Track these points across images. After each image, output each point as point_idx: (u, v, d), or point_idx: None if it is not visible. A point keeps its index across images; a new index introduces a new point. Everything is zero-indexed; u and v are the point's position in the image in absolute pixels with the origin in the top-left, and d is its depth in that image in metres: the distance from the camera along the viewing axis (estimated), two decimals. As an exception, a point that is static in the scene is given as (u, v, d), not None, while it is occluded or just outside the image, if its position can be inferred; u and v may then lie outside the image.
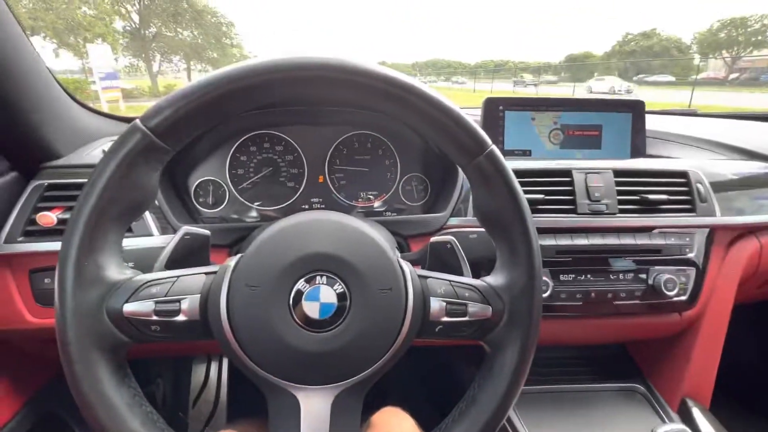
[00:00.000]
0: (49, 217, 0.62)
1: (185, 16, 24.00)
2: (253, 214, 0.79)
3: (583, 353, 0.94)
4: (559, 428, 0.77)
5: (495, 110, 0.87)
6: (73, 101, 0.76)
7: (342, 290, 0.39)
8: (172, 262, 0.46)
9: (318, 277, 0.39)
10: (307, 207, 0.80)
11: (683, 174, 0.78)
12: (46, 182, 0.66)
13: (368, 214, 0.82)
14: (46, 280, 0.64)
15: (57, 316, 0.36)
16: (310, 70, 0.37)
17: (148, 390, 1.11)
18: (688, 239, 0.76)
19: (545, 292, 0.71)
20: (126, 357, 0.40)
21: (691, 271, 0.76)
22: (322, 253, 0.40)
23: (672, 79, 25.24)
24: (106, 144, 0.79)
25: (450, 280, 0.44)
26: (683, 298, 0.76)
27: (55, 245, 0.63)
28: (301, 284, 0.39)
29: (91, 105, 0.77)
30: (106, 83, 10.47)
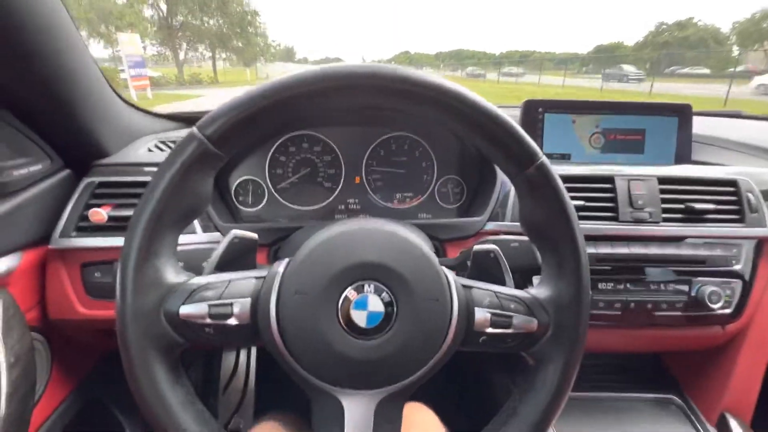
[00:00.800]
0: (100, 214, 0.65)
1: (211, 5, 24.21)
2: (290, 213, 0.80)
3: (615, 361, 0.93)
4: None
5: (534, 112, 0.85)
6: (119, 99, 0.78)
7: (389, 299, 0.39)
8: (222, 265, 0.47)
9: (366, 286, 0.39)
10: (343, 207, 0.81)
11: (733, 183, 0.75)
12: (97, 180, 0.69)
13: (403, 215, 0.82)
14: (96, 274, 0.67)
15: (118, 318, 0.37)
16: (361, 79, 0.38)
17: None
18: (735, 251, 0.74)
19: None
20: (180, 357, 0.42)
21: (737, 284, 0.74)
22: (369, 262, 0.40)
23: (707, 71, 24.18)
24: (151, 141, 0.81)
25: (495, 291, 0.44)
26: (728, 311, 0.74)
27: (106, 241, 0.65)
28: (349, 292, 0.39)
29: (120, 94, 0.79)
30: (134, 71, 10.71)
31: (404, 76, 0.38)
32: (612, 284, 0.73)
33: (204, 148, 0.38)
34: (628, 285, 0.73)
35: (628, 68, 22.19)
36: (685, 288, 0.73)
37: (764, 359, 0.79)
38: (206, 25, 25.24)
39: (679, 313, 0.73)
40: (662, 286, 0.73)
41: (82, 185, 0.69)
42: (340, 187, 0.81)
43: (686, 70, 24.57)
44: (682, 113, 0.86)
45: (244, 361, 1.42)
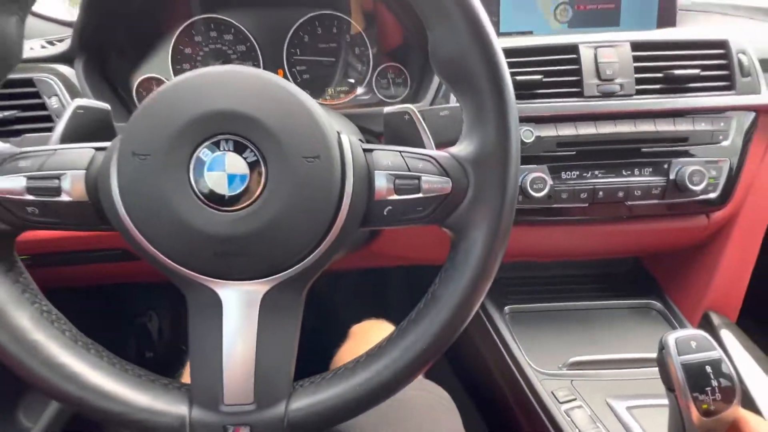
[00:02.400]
0: None
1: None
2: None
3: (592, 270, 0.84)
4: (558, 347, 0.68)
5: (488, -17, 0.72)
6: None
7: (255, 159, 0.30)
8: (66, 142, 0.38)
9: (223, 143, 0.30)
10: None
11: (721, 44, 0.63)
12: None
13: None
14: None
15: None
16: None
17: (139, 321, 1.09)
18: (723, 124, 0.63)
19: (542, 191, 0.60)
20: (12, 248, 0.34)
21: (724, 163, 0.63)
22: (226, 110, 0.30)
23: None
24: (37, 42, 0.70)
25: (401, 151, 0.35)
26: (712, 195, 0.63)
27: None
28: (202, 152, 0.30)
29: None
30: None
31: None
32: (577, 172, 0.63)
33: None
34: (596, 172, 0.63)
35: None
36: (664, 169, 0.62)
37: (754, 252, 0.70)
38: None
39: (655, 201, 0.63)
40: (636, 171, 0.63)
41: None
42: None
43: None
44: (664, -28, 0.72)
45: None
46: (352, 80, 0.71)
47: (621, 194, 0.62)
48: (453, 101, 0.62)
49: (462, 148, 0.35)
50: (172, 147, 0.30)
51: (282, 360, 0.34)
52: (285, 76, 0.70)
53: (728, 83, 0.62)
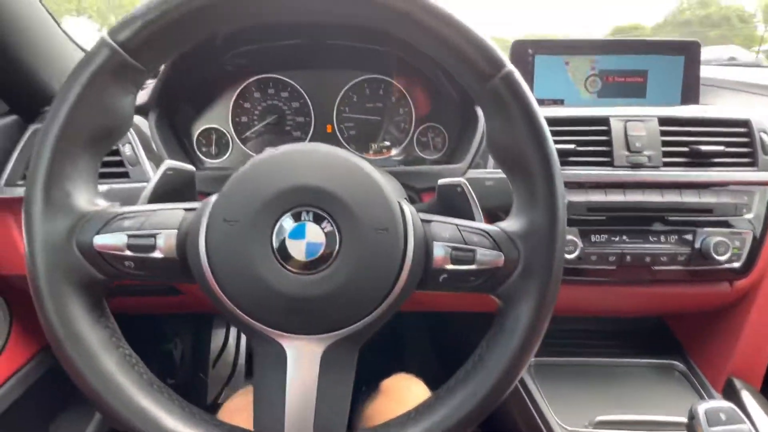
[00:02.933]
0: None
1: None
2: None
3: (615, 326, 0.86)
4: (584, 404, 0.70)
5: (524, 54, 0.78)
6: (72, 43, 0.74)
7: (331, 229, 0.34)
8: (156, 200, 0.43)
9: (304, 214, 0.34)
10: None
11: (744, 122, 0.67)
12: None
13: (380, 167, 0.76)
14: None
15: (26, 246, 0.33)
16: None
17: (166, 348, 1.12)
18: (746, 198, 0.66)
19: (573, 253, 0.64)
20: (103, 296, 0.38)
21: (748, 235, 0.66)
22: (308, 186, 0.35)
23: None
24: None
25: (457, 225, 0.39)
26: (736, 264, 0.66)
27: None
28: (284, 221, 0.34)
29: (74, 38, 0.74)
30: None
31: None
32: (606, 236, 0.66)
33: (118, 59, 0.33)
34: (624, 237, 0.66)
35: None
36: (689, 239, 0.65)
37: (778, 320, 0.72)
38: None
39: (681, 267, 0.66)
40: (663, 238, 0.66)
41: (29, 132, 0.64)
42: (309, 136, 0.75)
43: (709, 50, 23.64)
44: (689, 51, 0.77)
45: (235, 333, 1.39)
46: (395, 138, 0.77)
47: (648, 259, 0.65)
48: (491, 164, 0.66)
49: (512, 224, 0.39)
50: (259, 215, 0.34)
51: (339, 411, 0.37)
52: (333, 131, 0.75)
53: (751, 160, 0.66)
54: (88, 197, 0.37)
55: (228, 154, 0.74)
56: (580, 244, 0.64)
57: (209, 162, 0.74)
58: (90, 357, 0.34)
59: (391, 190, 0.37)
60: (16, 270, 0.64)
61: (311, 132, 0.75)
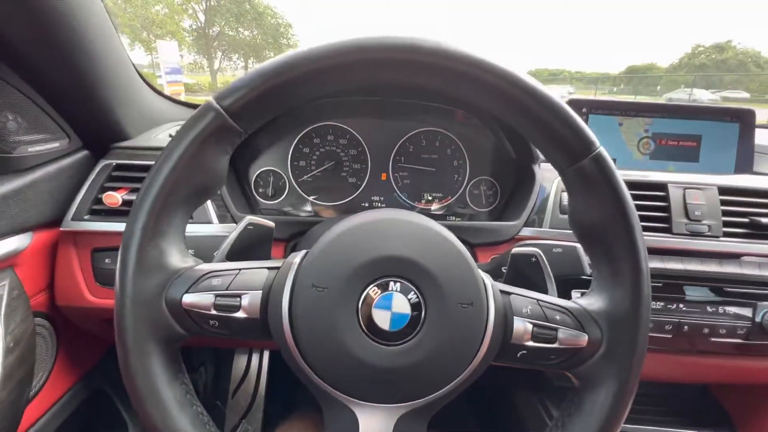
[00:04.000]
0: (114, 197, 0.62)
1: (247, 16, 25.10)
2: (310, 208, 0.76)
3: (659, 390, 0.84)
4: None
5: (578, 112, 0.78)
6: (146, 85, 0.77)
7: (417, 300, 0.34)
8: (234, 253, 0.43)
9: (391, 284, 0.34)
10: (367, 205, 0.76)
11: None
12: (114, 162, 0.66)
13: (431, 217, 0.76)
14: (106, 260, 0.64)
15: (116, 301, 0.34)
16: (400, 52, 0.33)
17: (192, 377, 1.12)
18: None
19: None
20: (179, 349, 0.38)
21: None
22: (397, 256, 0.35)
23: (746, 95, 23.34)
24: (173, 128, 0.79)
25: (538, 300, 0.38)
26: (797, 341, 0.64)
27: (119, 226, 0.62)
28: (371, 289, 0.34)
29: (146, 79, 0.77)
30: (170, 77, 11.08)
31: (449, 50, 0.33)
32: (662, 303, 0.65)
33: (221, 121, 0.34)
34: (680, 305, 0.65)
35: (700, 93, 20.08)
36: (749, 313, 0.64)
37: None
38: (241, 35, 26.13)
39: (739, 341, 0.64)
40: (720, 309, 0.65)
41: (98, 167, 0.66)
42: (365, 183, 0.76)
43: (724, 94, 23.72)
44: (743, 119, 0.78)
45: (256, 364, 1.38)
46: (448, 189, 0.77)
47: (706, 330, 0.64)
48: (546, 223, 0.66)
49: (594, 302, 0.39)
50: (348, 283, 0.34)
51: None
52: (388, 179, 0.76)
53: None
54: (179, 255, 0.37)
55: (284, 196, 0.75)
56: None
57: (264, 203, 0.75)
58: (168, 416, 0.34)
59: (472, 261, 0.37)
60: (72, 302, 0.65)
61: (366, 179, 0.76)
